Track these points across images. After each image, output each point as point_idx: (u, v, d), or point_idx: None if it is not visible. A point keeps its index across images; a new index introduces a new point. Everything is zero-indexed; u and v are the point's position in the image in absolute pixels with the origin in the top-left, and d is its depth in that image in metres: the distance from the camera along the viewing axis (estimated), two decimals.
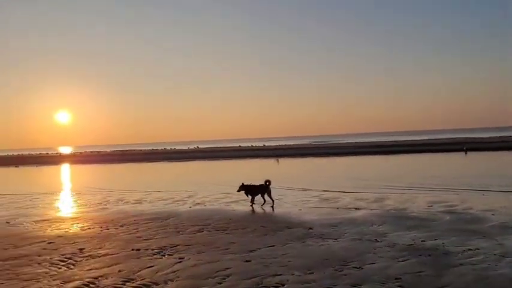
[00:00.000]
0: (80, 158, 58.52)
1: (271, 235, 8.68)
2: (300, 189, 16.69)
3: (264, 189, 13.24)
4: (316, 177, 22.66)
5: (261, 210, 12.21)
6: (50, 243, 8.62)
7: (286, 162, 36.55)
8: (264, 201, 13.23)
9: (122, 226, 10.26)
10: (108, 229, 9.95)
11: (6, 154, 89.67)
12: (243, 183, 13.49)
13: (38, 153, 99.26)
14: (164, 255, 7.34)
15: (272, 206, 12.79)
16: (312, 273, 6.08)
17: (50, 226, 10.62)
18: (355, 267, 6.27)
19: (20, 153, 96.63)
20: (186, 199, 15.19)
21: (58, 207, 14.41)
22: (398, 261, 6.52)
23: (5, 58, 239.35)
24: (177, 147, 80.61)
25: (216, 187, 18.62)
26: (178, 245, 8.02)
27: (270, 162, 38.04)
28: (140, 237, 8.94)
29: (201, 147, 75.09)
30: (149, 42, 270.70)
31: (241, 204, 13.42)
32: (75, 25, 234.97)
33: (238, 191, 13.52)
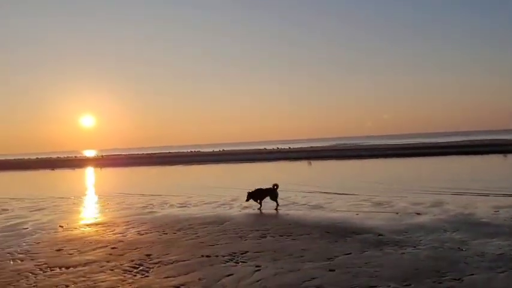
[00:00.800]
0: (109, 161, 59.23)
1: (341, 242, 8.25)
2: (346, 194, 16.18)
3: (272, 192, 13.42)
4: (357, 180, 22.05)
5: (314, 214, 11.79)
6: (114, 248, 8.43)
7: (319, 165, 35.95)
8: (277, 204, 13.37)
9: (178, 231, 10.01)
10: (166, 233, 9.72)
11: (36, 157, 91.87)
12: (248, 192, 13.55)
13: (65, 156, 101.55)
14: (238, 263, 7.01)
15: (276, 209, 12.98)
16: (410, 284, 5.63)
17: (105, 230, 10.48)
18: (455, 279, 5.79)
19: (48, 156, 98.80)
20: (231, 202, 14.89)
21: (105, 210, 14.34)
22: (498, 273, 6.01)
23: (31, 63, 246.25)
24: (203, 150, 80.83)
25: None
26: (247, 252, 7.69)
27: (302, 164, 37.51)
28: (203, 242, 8.66)
29: (226, 150, 75.01)
30: (173, 44, 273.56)
31: (293, 208, 13.03)
32: (100, 29, 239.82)
33: (247, 200, 13.57)
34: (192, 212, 12.94)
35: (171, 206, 14.86)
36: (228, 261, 7.09)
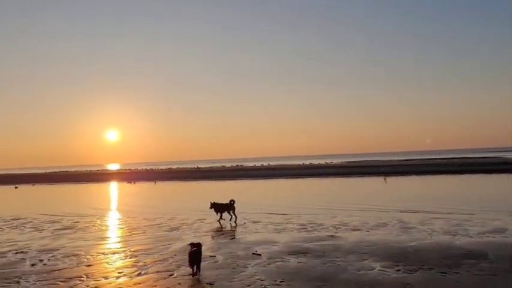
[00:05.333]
0: (152, 175, 57.55)
1: None
2: (444, 213, 14.87)
3: (229, 207, 14.88)
4: (446, 197, 20.02)
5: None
6: None
7: (395, 181, 33.37)
8: (231, 217, 14.77)
9: (453, 267, 7.74)
10: (445, 273, 7.45)
11: (66, 170, 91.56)
12: (211, 202, 15.06)
13: (96, 169, 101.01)
14: None
15: (235, 221, 14.49)
16: None
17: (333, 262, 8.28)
18: None
19: (77, 169, 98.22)
20: (338, 226, 12.96)
21: (281, 231, 12.10)
22: None
23: (56, 80, 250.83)
24: (245, 164, 79.01)
25: (360, 211, 16.15)
26: None
27: (378, 180, 34.91)
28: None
29: (273, 164, 72.97)
30: (196, 59, 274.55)
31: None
32: (124, 46, 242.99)
33: (210, 207, 14.97)
34: (398, 239, 10.62)
35: (284, 228, 12.90)
36: None
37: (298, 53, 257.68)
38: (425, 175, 39.12)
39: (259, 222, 14.56)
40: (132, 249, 10.48)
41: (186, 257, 7.99)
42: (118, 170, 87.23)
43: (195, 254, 7.74)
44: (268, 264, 8.45)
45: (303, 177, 42.61)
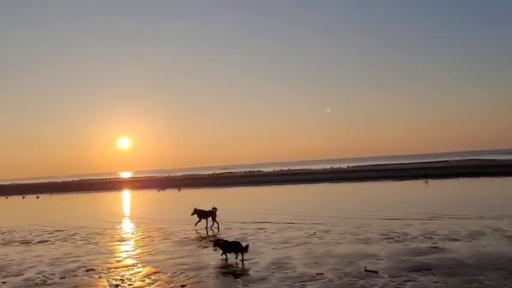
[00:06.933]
0: (174, 182, 56.48)
1: None
2: None
3: (212, 214, 15.32)
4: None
5: None
6: None
7: (438, 184, 31.90)
8: (213, 223, 15.24)
9: None
10: None
11: (88, 178, 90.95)
12: (195, 208, 15.60)
13: (113, 177, 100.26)
14: None
15: (218, 228, 14.86)
16: None
17: None
18: None
19: (91, 178, 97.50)
20: (428, 235, 11.65)
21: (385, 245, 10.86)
22: None
23: (71, 90, 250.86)
24: (260, 169, 77.72)
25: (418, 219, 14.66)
26: None
27: (417, 183, 33.47)
28: None
29: (293, 169, 71.61)
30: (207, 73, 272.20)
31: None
32: (138, 56, 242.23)
33: (192, 214, 15.44)
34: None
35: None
36: None
37: (318, 56, 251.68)
38: (474, 177, 37.05)
39: (330, 231, 13.32)
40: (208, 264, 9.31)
41: None
42: (139, 177, 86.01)
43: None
44: (399, 285, 7.22)
45: (333, 182, 41.18)
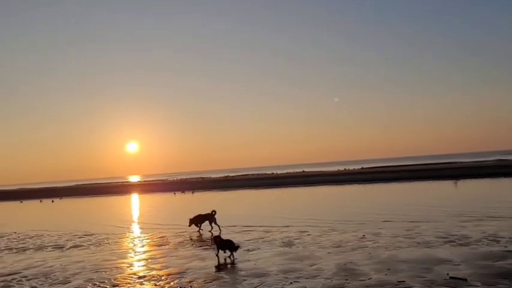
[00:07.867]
0: (188, 185, 55.92)
1: None
2: None
3: (210, 217, 15.02)
4: None
5: None
6: None
7: (469, 185, 30.96)
8: (212, 227, 14.83)
9: None
10: None
11: (93, 183, 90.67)
12: (189, 218, 15.40)
13: (123, 181, 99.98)
14: None
15: (219, 231, 14.19)
16: None
17: None
18: None
19: (101, 182, 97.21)
20: (492, 238, 10.63)
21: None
22: None
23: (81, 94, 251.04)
24: (267, 171, 76.82)
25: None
26: None
27: (447, 184, 32.50)
28: None
29: (308, 171, 70.65)
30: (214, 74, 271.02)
31: None
32: (149, 57, 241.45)
33: (189, 225, 15.25)
34: None
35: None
36: None
37: (326, 57, 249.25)
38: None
39: (379, 234, 12.61)
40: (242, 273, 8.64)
41: None
42: (152, 181, 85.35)
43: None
44: None
45: (362, 183, 40.32)
